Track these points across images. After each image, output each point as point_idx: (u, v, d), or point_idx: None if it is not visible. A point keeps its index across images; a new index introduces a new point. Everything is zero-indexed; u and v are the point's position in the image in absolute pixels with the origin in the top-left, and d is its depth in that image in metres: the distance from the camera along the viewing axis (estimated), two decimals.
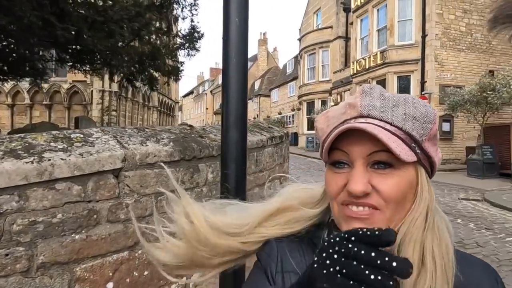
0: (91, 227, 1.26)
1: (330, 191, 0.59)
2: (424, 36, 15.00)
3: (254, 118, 39.34)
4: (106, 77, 17.24)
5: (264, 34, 52.21)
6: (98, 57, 5.99)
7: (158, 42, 6.65)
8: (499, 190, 9.09)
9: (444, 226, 0.59)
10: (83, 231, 1.23)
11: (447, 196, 8.51)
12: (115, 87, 20.72)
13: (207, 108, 61.57)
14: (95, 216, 1.27)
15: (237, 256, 0.67)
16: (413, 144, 0.56)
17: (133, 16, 5.08)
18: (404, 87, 16.03)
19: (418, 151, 0.56)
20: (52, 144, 1.22)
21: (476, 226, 5.96)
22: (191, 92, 75.01)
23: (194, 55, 6.98)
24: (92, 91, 20.55)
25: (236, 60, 1.41)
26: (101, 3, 5.43)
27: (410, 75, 15.79)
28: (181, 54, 6.67)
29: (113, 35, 5.31)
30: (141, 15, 5.27)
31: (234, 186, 1.39)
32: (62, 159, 1.17)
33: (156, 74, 7.74)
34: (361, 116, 0.58)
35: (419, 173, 0.57)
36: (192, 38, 6.28)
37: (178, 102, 37.29)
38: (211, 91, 61.13)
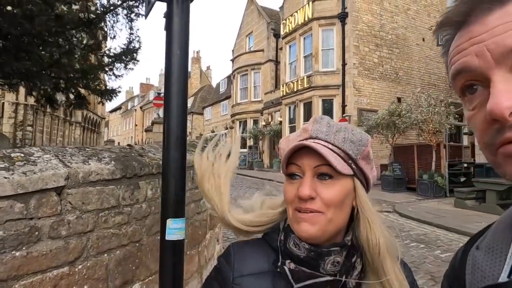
0: (32, 244, 1.29)
1: (287, 198, 0.72)
2: (344, 64, 16.67)
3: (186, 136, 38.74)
4: (22, 88, 15.68)
5: (198, 52, 52.46)
6: (16, 71, 5.54)
7: (91, 59, 6.40)
8: (406, 202, 10.34)
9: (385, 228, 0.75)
10: (24, 248, 1.26)
11: None
12: (31, 100, 18.90)
13: (136, 125, 58.99)
14: (36, 233, 1.31)
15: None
16: (349, 161, 0.71)
17: (54, 33, 4.85)
18: (328, 109, 17.47)
19: (354, 166, 0.72)
20: None
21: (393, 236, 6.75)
22: (119, 108, 71.24)
23: (127, 74, 6.88)
24: (3, 103, 18.45)
25: (177, 88, 1.59)
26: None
27: (333, 99, 17.29)
28: (117, 68, 6.50)
29: (31, 52, 4.97)
30: (63, 32, 5.05)
31: (175, 201, 1.54)
32: (5, 177, 1.21)
33: (84, 92, 7.36)
34: (311, 138, 0.73)
35: (356, 185, 0.73)
36: (128, 55, 6.19)
37: (104, 118, 35.14)
38: (141, 107, 58.88)
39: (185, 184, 1.57)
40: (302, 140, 0.73)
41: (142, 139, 53.39)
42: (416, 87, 15.52)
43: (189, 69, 53.45)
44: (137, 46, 6.63)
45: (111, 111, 71.53)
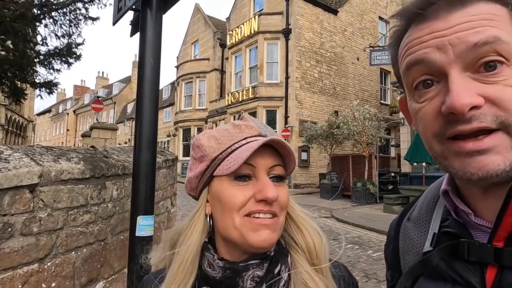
0: (4, 240, 1.30)
1: (236, 203, 0.60)
2: (287, 77, 17.47)
3: (126, 142, 37.07)
4: None
5: None
6: None
7: (30, 52, 6.00)
8: (342, 208, 11.11)
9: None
10: None
11: None
12: None
13: (68, 130, 54.78)
14: (9, 229, 1.32)
15: None
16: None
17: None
18: (271, 119, 18.09)
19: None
20: None
21: (326, 238, 7.26)
22: (48, 110, 65.54)
23: (68, 69, 6.55)
24: None
25: (150, 94, 1.70)
26: None
27: (276, 110, 17.97)
28: (56, 62, 6.16)
29: None
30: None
31: (145, 198, 1.63)
32: None
33: (21, 86, 6.84)
34: (260, 135, 0.65)
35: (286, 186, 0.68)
36: (69, 52, 5.93)
37: (32, 121, 32.12)
38: (74, 111, 54.90)
39: (155, 182, 1.67)
40: (249, 136, 0.65)
41: (74, 145, 49.67)
42: (352, 102, 16.85)
43: (130, 73, 50.89)
44: (79, 41, 6.38)
45: (39, 114, 65.55)
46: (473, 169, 0.45)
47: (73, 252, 1.60)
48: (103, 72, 59.56)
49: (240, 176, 0.62)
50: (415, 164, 11.18)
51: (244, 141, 0.63)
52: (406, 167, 12.44)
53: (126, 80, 49.34)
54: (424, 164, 10.41)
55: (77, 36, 6.15)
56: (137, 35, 1.92)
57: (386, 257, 0.70)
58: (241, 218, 0.60)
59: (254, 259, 0.61)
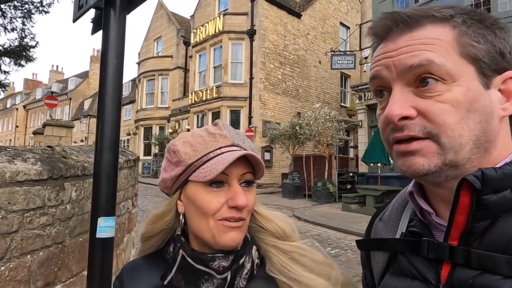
0: None
1: (210, 208, 0.67)
2: (251, 78, 17.59)
3: (82, 141, 35.34)
4: None
5: (98, 50, 48.40)
6: None
7: None
8: (303, 207, 11.40)
9: None
10: None
11: None
12: None
13: (17, 126, 51.16)
14: None
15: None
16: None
17: None
18: (235, 119, 18.13)
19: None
20: None
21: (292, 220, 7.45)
22: None
23: (17, 70, 6.16)
24: None
25: (112, 94, 1.68)
26: None
27: (240, 110, 18.04)
28: (5, 63, 5.75)
29: None
30: None
31: (107, 199, 1.61)
32: None
33: None
34: (233, 145, 0.71)
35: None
36: (21, 52, 5.58)
37: None
38: (24, 106, 51.38)
39: (117, 183, 1.66)
40: (223, 146, 0.71)
41: (24, 143, 46.51)
42: (313, 104, 17.33)
43: (87, 68, 48.36)
44: (32, 43, 6.02)
45: None
46: (405, 167, 0.53)
47: (28, 256, 1.55)
48: (57, 66, 56.17)
49: (214, 182, 0.68)
50: (371, 164, 11.74)
51: (218, 151, 0.69)
52: (363, 168, 13.01)
53: (83, 75, 46.95)
54: (379, 164, 10.97)
55: (30, 40, 5.82)
56: (99, 33, 1.89)
57: (361, 257, 0.75)
58: (214, 221, 0.67)
59: (221, 252, 0.68)
